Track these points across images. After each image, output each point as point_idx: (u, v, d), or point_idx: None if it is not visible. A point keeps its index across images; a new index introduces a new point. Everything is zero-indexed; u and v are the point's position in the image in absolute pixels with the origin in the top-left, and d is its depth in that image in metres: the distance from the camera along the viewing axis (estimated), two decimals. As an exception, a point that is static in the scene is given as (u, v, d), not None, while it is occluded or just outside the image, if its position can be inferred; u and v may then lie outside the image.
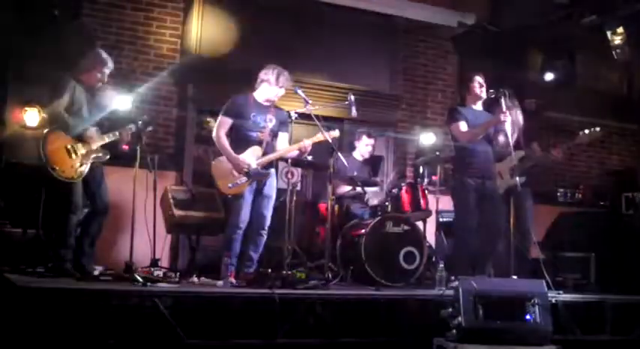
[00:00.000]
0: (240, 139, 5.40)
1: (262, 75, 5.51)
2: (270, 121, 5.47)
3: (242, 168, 5.29)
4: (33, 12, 6.27)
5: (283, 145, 5.56)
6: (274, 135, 5.54)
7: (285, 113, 5.57)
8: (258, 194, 5.42)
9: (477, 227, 5.52)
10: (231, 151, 5.35)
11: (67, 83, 5.09)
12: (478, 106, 5.73)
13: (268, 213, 5.45)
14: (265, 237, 5.45)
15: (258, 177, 5.36)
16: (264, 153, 5.41)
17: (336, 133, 5.55)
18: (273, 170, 5.54)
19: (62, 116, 5.03)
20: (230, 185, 5.31)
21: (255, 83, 5.57)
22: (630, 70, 8.99)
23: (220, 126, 5.43)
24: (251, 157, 5.36)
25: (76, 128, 5.04)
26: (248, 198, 5.35)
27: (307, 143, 5.44)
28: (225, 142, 5.38)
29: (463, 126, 5.58)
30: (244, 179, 5.31)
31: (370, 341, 4.50)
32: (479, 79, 5.68)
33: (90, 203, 5.15)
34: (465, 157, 5.61)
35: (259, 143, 5.42)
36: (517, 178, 5.57)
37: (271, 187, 5.48)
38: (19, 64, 6.21)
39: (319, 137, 5.47)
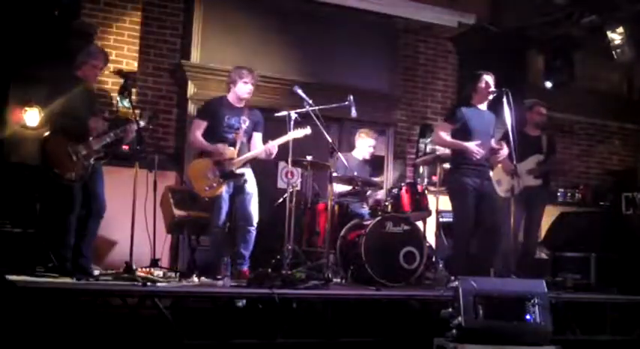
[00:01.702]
0: (215, 141, 5.47)
1: (227, 78, 5.66)
2: (244, 122, 5.55)
3: (224, 154, 5.37)
4: (33, 12, 6.27)
5: (259, 145, 5.64)
6: (249, 136, 5.62)
7: (258, 114, 5.67)
8: (240, 192, 5.50)
9: (476, 227, 5.53)
10: (209, 144, 5.44)
11: (62, 87, 5.07)
12: (483, 106, 5.72)
13: (254, 209, 5.51)
14: (254, 232, 5.50)
15: (232, 179, 5.41)
16: (238, 154, 5.47)
17: (306, 131, 5.57)
18: (249, 170, 5.59)
19: (60, 120, 5.01)
20: (206, 187, 5.38)
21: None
22: (630, 70, 8.99)
23: (195, 128, 5.55)
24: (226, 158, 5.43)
25: (74, 130, 5.03)
26: (226, 198, 5.43)
27: (272, 144, 5.51)
28: (203, 140, 5.49)
29: (445, 128, 5.66)
30: (220, 181, 5.36)
31: (370, 341, 4.50)
32: (487, 79, 5.66)
33: (88, 203, 5.15)
34: (463, 157, 5.61)
35: (233, 144, 5.48)
36: (517, 181, 5.57)
37: (251, 184, 5.56)
38: (19, 64, 6.21)
39: (287, 137, 5.50)
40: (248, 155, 5.54)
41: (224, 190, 5.41)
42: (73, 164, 4.97)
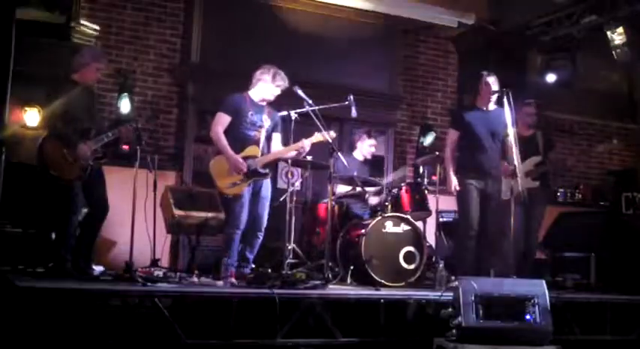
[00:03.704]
0: (238, 138, 5.40)
1: (258, 74, 5.51)
2: (265, 121, 5.48)
3: (240, 168, 5.29)
4: (33, 12, 6.27)
5: (277, 146, 5.58)
6: (269, 135, 5.55)
7: (277, 114, 5.58)
8: (256, 195, 5.43)
9: (479, 227, 5.54)
10: (230, 150, 5.34)
11: (59, 89, 5.05)
12: (489, 106, 5.73)
13: (265, 214, 5.47)
14: (261, 238, 5.46)
15: (257, 177, 5.36)
16: (261, 153, 5.42)
17: (333, 134, 5.56)
18: (268, 171, 5.53)
19: (56, 124, 4.99)
20: (230, 184, 5.32)
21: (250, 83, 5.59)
22: (630, 70, 8.99)
23: (218, 123, 5.41)
24: (250, 156, 5.36)
25: (71, 133, 5.01)
26: (247, 197, 5.36)
27: (305, 144, 5.44)
28: (224, 140, 5.37)
29: (453, 136, 5.77)
30: (244, 178, 5.31)
31: (370, 341, 4.50)
32: (489, 80, 5.67)
33: (89, 203, 5.15)
34: (468, 158, 5.63)
35: (257, 142, 5.43)
36: (517, 182, 5.57)
37: (267, 188, 5.50)
38: (19, 64, 6.21)
39: (317, 137, 5.48)
40: (276, 153, 5.45)
41: (246, 190, 5.33)
42: (70, 165, 4.96)
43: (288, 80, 5.51)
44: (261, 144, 5.44)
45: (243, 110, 5.42)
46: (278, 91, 5.50)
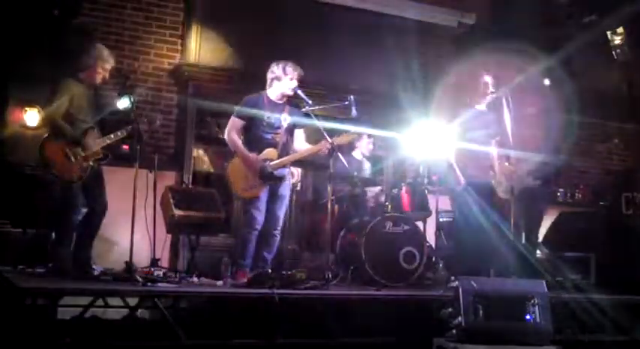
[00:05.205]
0: (254, 141, 5.32)
1: (270, 74, 5.42)
2: (285, 121, 5.38)
3: (256, 167, 5.22)
4: (33, 12, 6.28)
5: (300, 142, 5.49)
6: (290, 133, 5.45)
7: (299, 111, 5.48)
8: (273, 194, 5.35)
9: (479, 226, 5.55)
10: (244, 149, 5.27)
11: (64, 87, 5.05)
12: (482, 106, 5.73)
13: (282, 213, 5.41)
14: (279, 237, 5.40)
15: (272, 181, 5.32)
16: (280, 155, 5.33)
17: (350, 135, 5.44)
18: (287, 170, 5.46)
19: (58, 122, 4.99)
20: (246, 188, 5.27)
21: (258, 83, 5.54)
22: (630, 70, 8.98)
23: (232, 128, 5.35)
24: (266, 160, 5.29)
25: (74, 132, 5.02)
26: (264, 199, 5.29)
27: (328, 143, 5.28)
28: (238, 141, 5.30)
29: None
30: (260, 182, 5.27)
31: (370, 341, 4.51)
32: (486, 79, 5.67)
33: (88, 203, 5.15)
34: (466, 157, 5.63)
35: (274, 145, 5.34)
36: (517, 181, 5.58)
37: (286, 187, 5.43)
38: (19, 64, 6.21)
39: (343, 138, 5.35)
40: (295, 156, 5.36)
41: (263, 191, 5.26)
42: (71, 165, 4.97)
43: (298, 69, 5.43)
44: (279, 147, 5.33)
45: (259, 113, 5.31)
46: (295, 83, 5.37)
